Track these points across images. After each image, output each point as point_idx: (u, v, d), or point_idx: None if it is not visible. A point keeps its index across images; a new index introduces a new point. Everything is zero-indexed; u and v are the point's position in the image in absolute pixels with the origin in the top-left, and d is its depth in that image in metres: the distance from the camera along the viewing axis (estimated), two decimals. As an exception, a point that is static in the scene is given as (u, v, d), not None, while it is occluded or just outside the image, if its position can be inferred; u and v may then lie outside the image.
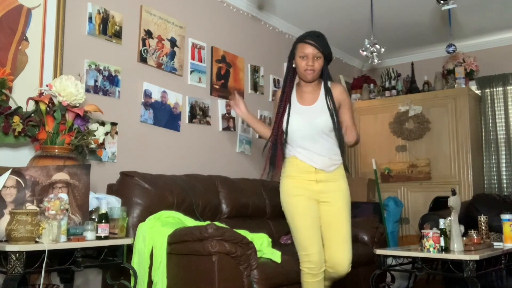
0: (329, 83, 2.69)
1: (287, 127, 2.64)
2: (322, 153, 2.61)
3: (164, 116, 3.65)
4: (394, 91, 5.98)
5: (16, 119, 2.45)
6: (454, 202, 2.96)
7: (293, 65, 2.67)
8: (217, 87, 4.19)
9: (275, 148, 2.67)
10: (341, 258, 2.54)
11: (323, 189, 2.62)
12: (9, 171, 2.20)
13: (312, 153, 2.62)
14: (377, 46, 4.17)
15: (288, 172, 2.67)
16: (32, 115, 2.49)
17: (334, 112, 2.61)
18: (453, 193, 3.01)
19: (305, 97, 2.69)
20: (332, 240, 2.58)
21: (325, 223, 2.61)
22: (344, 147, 2.65)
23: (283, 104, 2.68)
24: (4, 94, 2.48)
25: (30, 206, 2.17)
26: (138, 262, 2.66)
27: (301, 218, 2.58)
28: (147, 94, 3.52)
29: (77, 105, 2.52)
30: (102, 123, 3.04)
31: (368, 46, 4.16)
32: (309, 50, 2.57)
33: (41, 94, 2.52)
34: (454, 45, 4.59)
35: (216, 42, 4.23)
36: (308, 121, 2.61)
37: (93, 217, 2.46)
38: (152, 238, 2.67)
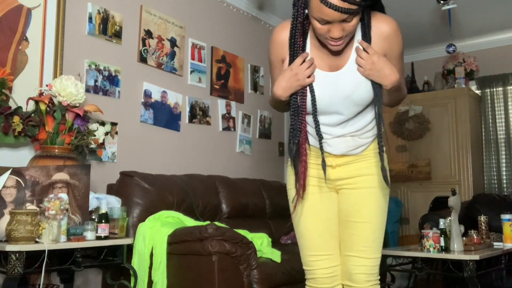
0: (371, 22, 1.61)
1: (313, 107, 1.66)
2: (347, 133, 1.72)
3: (164, 116, 3.65)
4: (394, 91, 5.97)
5: (16, 119, 2.45)
6: (454, 202, 2.96)
7: (305, 11, 1.62)
8: (217, 87, 4.19)
9: (297, 145, 1.68)
10: (355, 265, 1.71)
11: (343, 174, 1.75)
12: (9, 171, 2.20)
13: (330, 135, 1.72)
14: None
15: None
16: (32, 115, 2.49)
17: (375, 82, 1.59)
18: (453, 193, 3.01)
19: (326, 56, 1.66)
20: (347, 241, 1.75)
21: (342, 216, 1.77)
22: (382, 122, 1.66)
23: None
24: (4, 94, 2.48)
25: (30, 206, 2.17)
26: (138, 262, 2.66)
27: (305, 219, 1.77)
28: (147, 94, 3.52)
29: (77, 105, 2.51)
30: (102, 123, 3.04)
31: (368, 46, 4.15)
32: (332, 15, 1.45)
33: (41, 94, 2.52)
34: (454, 45, 4.60)
35: (216, 42, 4.23)
36: (331, 91, 1.65)
37: (93, 217, 2.46)
38: (152, 238, 2.67)
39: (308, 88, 1.66)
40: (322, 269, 1.76)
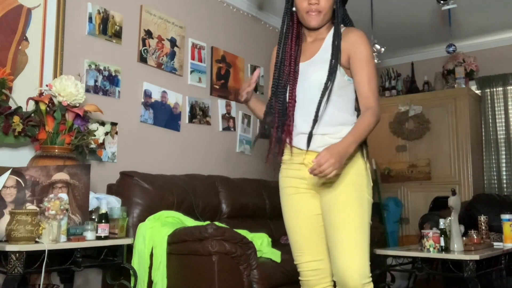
0: (342, 28, 1.91)
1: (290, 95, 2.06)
2: (318, 133, 1.88)
3: (164, 116, 3.65)
4: (394, 91, 6.00)
5: (16, 119, 2.45)
6: (454, 202, 2.96)
7: (293, 8, 1.95)
8: (217, 87, 4.19)
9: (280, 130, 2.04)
10: (346, 266, 1.77)
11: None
12: (9, 171, 2.20)
13: (299, 128, 1.94)
14: (377, 46, 4.17)
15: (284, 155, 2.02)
16: (32, 115, 2.49)
17: (334, 64, 1.83)
18: (453, 193, 3.01)
19: (306, 50, 1.98)
20: (333, 242, 1.82)
21: (325, 219, 1.87)
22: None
23: (282, 66, 2.06)
24: (4, 94, 2.48)
25: (30, 206, 2.17)
26: (138, 262, 2.66)
27: (289, 218, 1.96)
28: (147, 94, 3.52)
29: (77, 105, 2.51)
30: (102, 123, 3.04)
31: (368, 46, 4.15)
32: None
33: (41, 94, 2.52)
34: (454, 45, 4.59)
35: (216, 42, 4.23)
36: (301, 82, 1.94)
37: (93, 217, 2.46)
38: (152, 238, 2.67)
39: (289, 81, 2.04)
40: (305, 263, 1.96)
